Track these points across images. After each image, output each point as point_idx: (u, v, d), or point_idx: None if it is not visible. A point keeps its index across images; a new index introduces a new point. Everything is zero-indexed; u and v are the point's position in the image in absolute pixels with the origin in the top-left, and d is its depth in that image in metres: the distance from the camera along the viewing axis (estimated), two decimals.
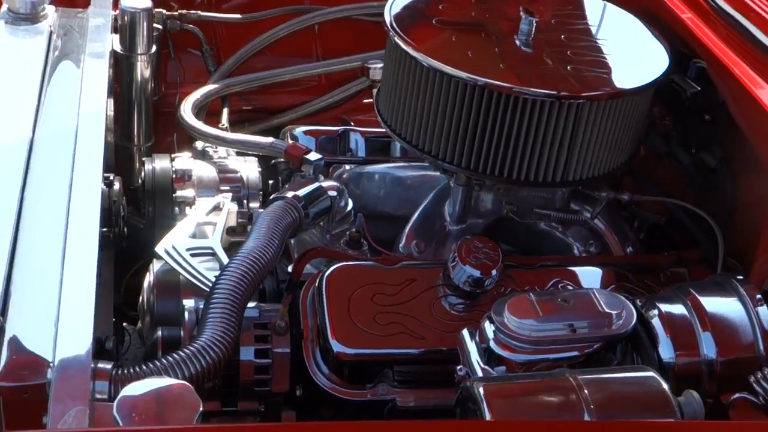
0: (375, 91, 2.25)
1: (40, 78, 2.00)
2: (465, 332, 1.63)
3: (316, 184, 1.93)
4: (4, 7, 2.31)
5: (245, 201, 2.24)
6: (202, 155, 2.32)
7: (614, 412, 1.28)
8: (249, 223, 2.20)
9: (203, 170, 2.24)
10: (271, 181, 2.31)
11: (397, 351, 1.74)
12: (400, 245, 2.00)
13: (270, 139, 2.24)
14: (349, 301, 1.77)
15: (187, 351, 1.49)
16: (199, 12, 2.60)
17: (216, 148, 2.33)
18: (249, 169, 2.28)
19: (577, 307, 1.55)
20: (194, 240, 2.01)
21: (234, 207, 2.17)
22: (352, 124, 2.57)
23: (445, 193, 2.04)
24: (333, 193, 1.95)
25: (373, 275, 1.81)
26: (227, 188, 2.23)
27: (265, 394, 1.76)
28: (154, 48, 2.47)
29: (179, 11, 2.60)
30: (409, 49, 1.87)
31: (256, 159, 2.32)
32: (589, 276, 1.90)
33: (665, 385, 1.37)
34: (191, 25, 2.66)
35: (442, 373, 1.74)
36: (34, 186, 1.67)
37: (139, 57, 2.42)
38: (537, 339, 1.52)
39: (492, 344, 1.54)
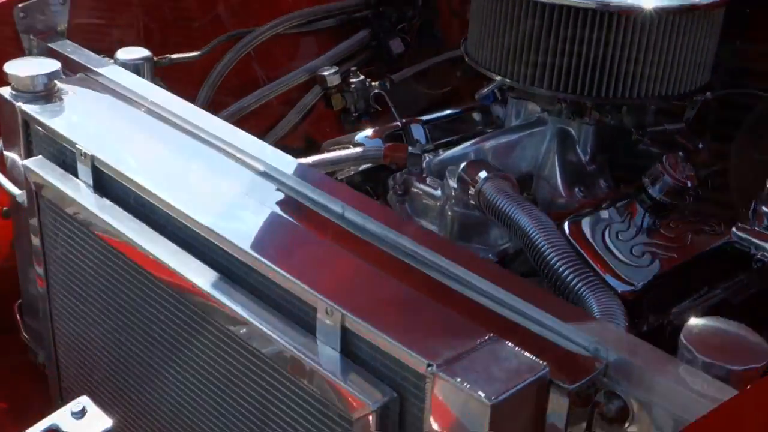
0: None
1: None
2: (734, 230, 1.77)
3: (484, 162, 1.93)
4: (6, 91, 1.97)
5: None
6: None
7: None
8: None
9: None
10: None
11: (665, 272, 1.81)
12: (561, 201, 2.05)
13: (359, 149, 2.14)
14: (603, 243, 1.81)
15: None
16: (170, 56, 2.36)
17: None
18: None
19: None
20: None
21: None
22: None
23: (566, 139, 2.11)
24: None
25: (598, 217, 1.87)
26: None
27: None
28: None
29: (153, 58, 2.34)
30: None
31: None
32: None
33: None
34: None
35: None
36: None
37: None
38: None
39: None
